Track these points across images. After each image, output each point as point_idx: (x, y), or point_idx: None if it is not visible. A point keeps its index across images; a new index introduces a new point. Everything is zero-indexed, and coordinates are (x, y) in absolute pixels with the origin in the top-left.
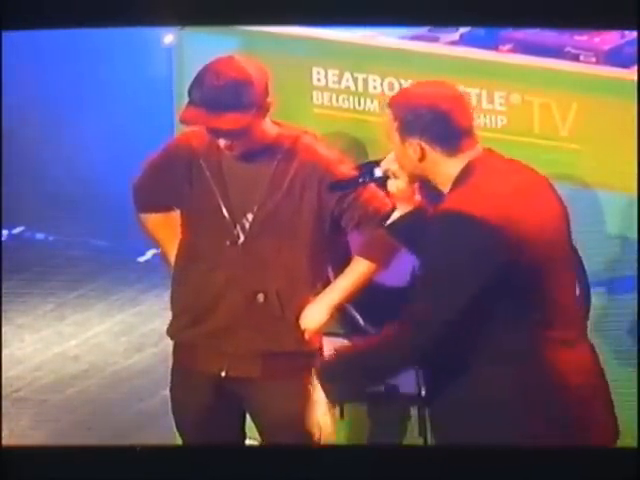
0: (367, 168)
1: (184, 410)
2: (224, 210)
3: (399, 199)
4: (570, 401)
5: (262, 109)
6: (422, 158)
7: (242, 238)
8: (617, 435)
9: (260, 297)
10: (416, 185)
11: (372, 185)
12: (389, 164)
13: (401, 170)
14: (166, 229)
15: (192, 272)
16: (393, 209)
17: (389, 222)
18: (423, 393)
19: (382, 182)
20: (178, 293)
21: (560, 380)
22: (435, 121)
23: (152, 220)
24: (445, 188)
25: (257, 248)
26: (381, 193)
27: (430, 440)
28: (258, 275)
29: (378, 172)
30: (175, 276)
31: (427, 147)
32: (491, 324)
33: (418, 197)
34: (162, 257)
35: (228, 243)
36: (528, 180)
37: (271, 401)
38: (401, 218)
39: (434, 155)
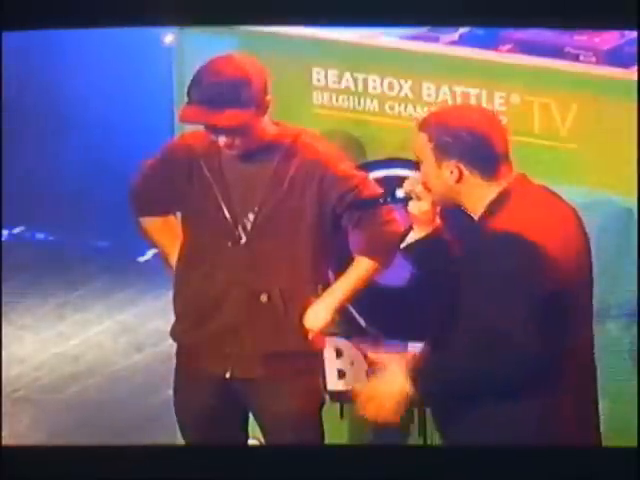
0: (388, 188)
1: (188, 411)
2: (225, 210)
3: (419, 221)
4: (565, 402)
5: (261, 107)
6: (459, 180)
7: (244, 238)
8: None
9: (264, 297)
10: (438, 208)
11: (373, 184)
12: (413, 185)
13: (426, 192)
14: (166, 232)
15: (194, 274)
16: (408, 231)
17: (405, 244)
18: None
19: (403, 203)
20: (180, 295)
21: (557, 380)
22: (475, 144)
23: (151, 223)
24: (476, 211)
25: (259, 248)
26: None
27: (430, 440)
28: (261, 275)
29: (400, 193)
30: (177, 278)
31: (465, 170)
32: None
33: (438, 220)
34: (163, 260)
35: (230, 244)
36: (559, 209)
37: (275, 401)
38: (419, 241)
39: (472, 179)
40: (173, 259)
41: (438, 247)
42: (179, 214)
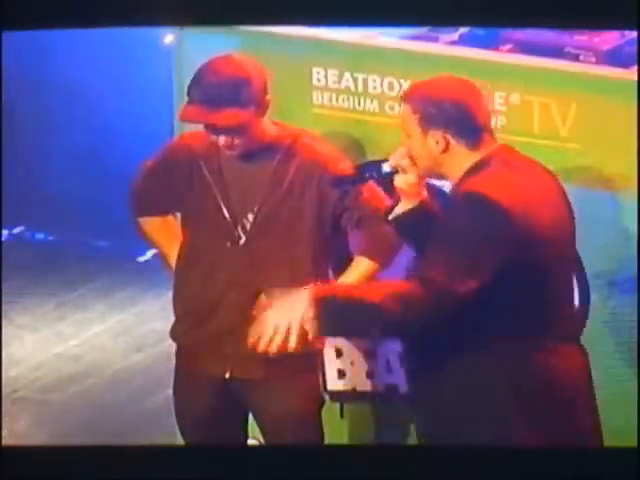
0: (373, 165)
1: (187, 412)
2: (225, 211)
3: (406, 194)
4: (558, 403)
5: (261, 107)
6: (445, 150)
7: (243, 238)
8: (600, 438)
9: (263, 297)
10: (424, 181)
11: (372, 184)
12: (398, 160)
13: (412, 165)
14: (165, 232)
15: (193, 274)
16: (396, 203)
17: (393, 216)
18: (414, 393)
19: (389, 178)
20: (180, 295)
21: (551, 381)
22: (459, 115)
23: (151, 224)
24: (456, 178)
25: (258, 248)
26: (381, 192)
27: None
28: (260, 275)
29: (386, 168)
30: (176, 279)
31: (452, 140)
32: (491, 318)
33: (425, 193)
34: (162, 260)
35: (229, 244)
36: (541, 178)
37: (274, 401)
38: (407, 213)
39: (458, 148)
40: (172, 260)
41: (425, 219)
42: (179, 214)
